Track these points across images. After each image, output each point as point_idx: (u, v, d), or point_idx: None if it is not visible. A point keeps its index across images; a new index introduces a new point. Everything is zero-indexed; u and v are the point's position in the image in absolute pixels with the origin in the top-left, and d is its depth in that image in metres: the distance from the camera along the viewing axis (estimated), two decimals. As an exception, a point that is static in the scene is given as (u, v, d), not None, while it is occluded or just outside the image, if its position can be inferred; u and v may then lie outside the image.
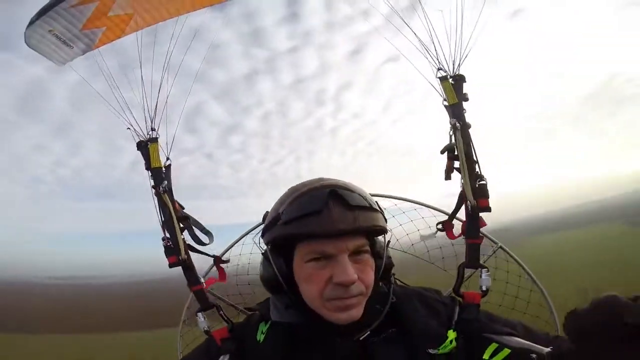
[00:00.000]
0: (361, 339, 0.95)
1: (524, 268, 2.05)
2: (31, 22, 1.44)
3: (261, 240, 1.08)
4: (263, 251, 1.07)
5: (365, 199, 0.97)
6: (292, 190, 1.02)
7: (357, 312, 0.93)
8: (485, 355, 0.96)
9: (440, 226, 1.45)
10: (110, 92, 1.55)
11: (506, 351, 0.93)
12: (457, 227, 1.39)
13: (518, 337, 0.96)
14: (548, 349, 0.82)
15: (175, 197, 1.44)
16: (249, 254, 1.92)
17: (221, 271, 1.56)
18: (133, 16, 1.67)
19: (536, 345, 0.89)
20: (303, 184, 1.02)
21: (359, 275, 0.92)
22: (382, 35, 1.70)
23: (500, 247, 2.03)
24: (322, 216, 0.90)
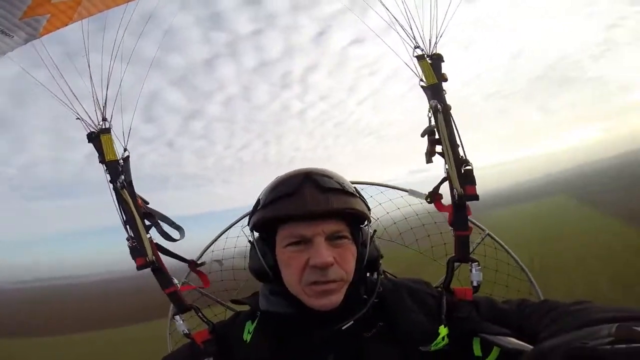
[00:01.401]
0: (344, 328, 0.93)
1: (512, 256, 2.01)
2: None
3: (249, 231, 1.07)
4: (250, 240, 1.06)
5: (341, 184, 0.98)
6: (275, 178, 1.04)
7: (336, 298, 0.91)
8: (477, 352, 0.95)
9: (428, 199, 1.39)
10: (54, 82, 1.41)
11: (496, 350, 0.92)
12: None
13: (513, 337, 0.91)
14: (531, 347, 0.80)
15: (137, 190, 1.34)
16: (233, 247, 1.89)
17: (202, 275, 1.48)
18: (81, 2, 1.52)
19: (528, 345, 0.86)
20: (286, 173, 1.03)
21: (337, 259, 0.91)
22: (355, 15, 1.63)
23: (488, 234, 1.99)
24: (295, 198, 0.93)
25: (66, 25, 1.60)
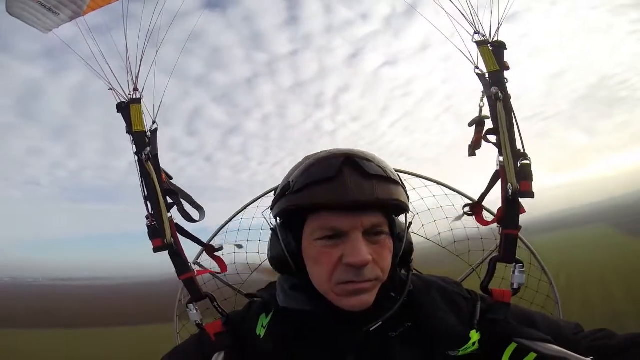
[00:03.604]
0: (371, 329, 0.84)
1: (536, 257, 1.95)
2: (11, -9, 1.34)
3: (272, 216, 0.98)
4: (272, 227, 0.97)
5: (385, 170, 0.86)
6: (306, 158, 0.93)
7: (369, 298, 0.82)
8: (505, 357, 0.87)
9: (467, 209, 1.27)
10: (92, 56, 1.39)
11: (532, 355, 0.84)
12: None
13: (554, 344, 0.84)
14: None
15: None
16: (248, 229, 1.82)
17: (219, 260, 1.41)
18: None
19: (575, 355, 0.78)
20: (318, 152, 0.93)
21: (374, 257, 0.81)
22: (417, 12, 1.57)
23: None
24: (335, 185, 0.81)
25: (109, 3, 1.66)
